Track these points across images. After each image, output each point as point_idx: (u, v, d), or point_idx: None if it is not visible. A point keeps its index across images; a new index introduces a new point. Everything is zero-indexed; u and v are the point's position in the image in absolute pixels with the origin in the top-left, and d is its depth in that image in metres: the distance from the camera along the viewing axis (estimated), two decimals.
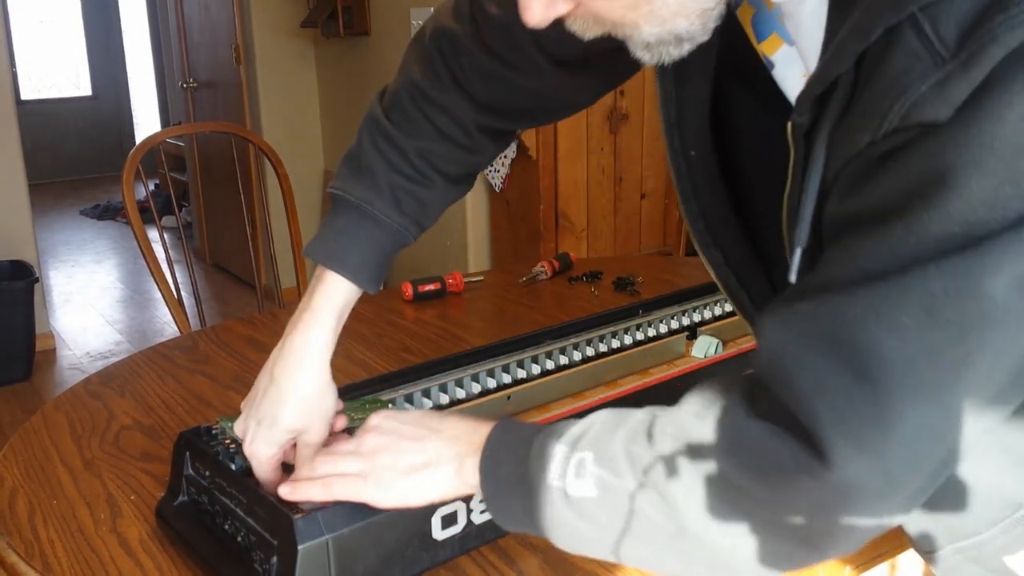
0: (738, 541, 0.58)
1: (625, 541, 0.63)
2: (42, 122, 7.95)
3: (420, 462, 0.75)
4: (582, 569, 0.84)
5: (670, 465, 0.60)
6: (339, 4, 3.75)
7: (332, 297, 0.86)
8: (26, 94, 7.89)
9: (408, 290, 1.67)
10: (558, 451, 0.66)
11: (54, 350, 3.96)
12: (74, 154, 8.25)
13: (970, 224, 0.48)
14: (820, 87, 0.56)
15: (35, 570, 0.86)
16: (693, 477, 0.59)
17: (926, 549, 0.73)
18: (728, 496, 0.58)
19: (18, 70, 7.45)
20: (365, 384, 1.06)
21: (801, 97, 0.58)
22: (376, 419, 0.80)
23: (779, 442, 0.55)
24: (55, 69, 8.27)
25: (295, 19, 4.11)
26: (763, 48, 0.67)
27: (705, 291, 1.38)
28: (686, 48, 0.63)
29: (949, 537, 0.70)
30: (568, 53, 0.83)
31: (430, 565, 0.83)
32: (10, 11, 7.02)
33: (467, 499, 0.84)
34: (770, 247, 0.74)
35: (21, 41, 7.72)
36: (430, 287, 1.68)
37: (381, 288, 0.91)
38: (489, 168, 3.30)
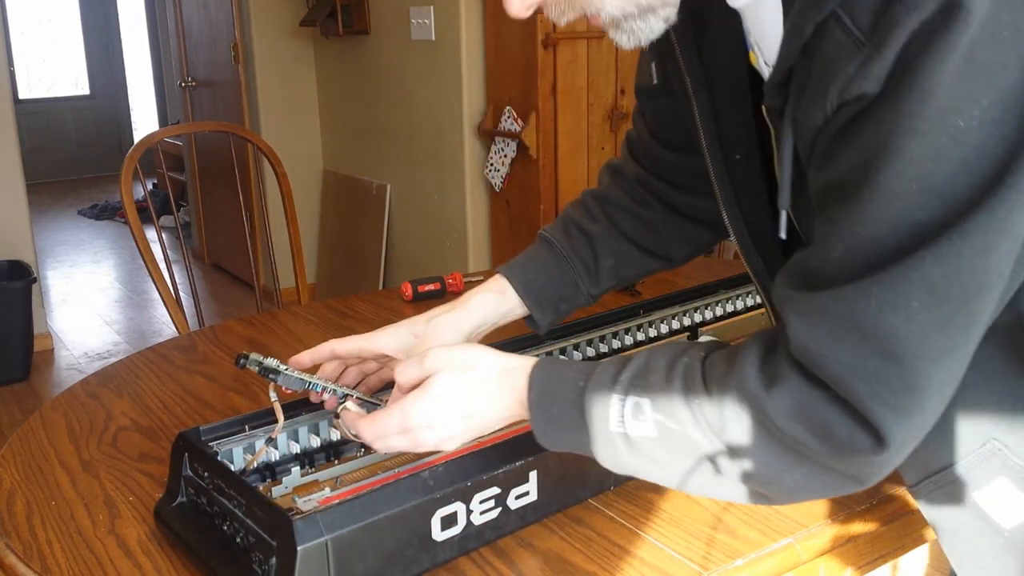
0: (797, 479, 0.68)
1: (688, 479, 0.73)
2: (40, 121, 7.95)
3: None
4: (582, 569, 0.84)
5: (733, 418, 0.68)
6: (338, 3, 3.75)
7: (487, 286, 1.02)
8: (24, 93, 7.88)
9: (408, 290, 1.66)
10: (614, 398, 0.73)
11: (52, 350, 3.96)
12: (72, 154, 8.25)
13: (921, 177, 0.57)
14: (779, 76, 0.66)
15: (33, 571, 0.85)
16: (757, 434, 0.67)
17: (908, 483, 0.79)
18: (789, 450, 0.66)
19: (16, 69, 7.44)
20: None
21: (767, 85, 0.69)
22: (415, 407, 0.79)
23: (837, 413, 0.63)
24: (53, 68, 8.26)
25: (294, 18, 4.10)
26: (752, 61, 0.78)
27: (706, 291, 1.37)
28: (654, 23, 0.71)
29: (924, 469, 0.76)
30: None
31: (430, 566, 0.83)
32: (9, 10, 7.02)
33: (467, 500, 0.84)
34: (797, 244, 0.82)
35: (19, 40, 7.71)
36: (430, 287, 1.67)
37: (546, 323, 1.04)
38: (489, 167, 3.30)
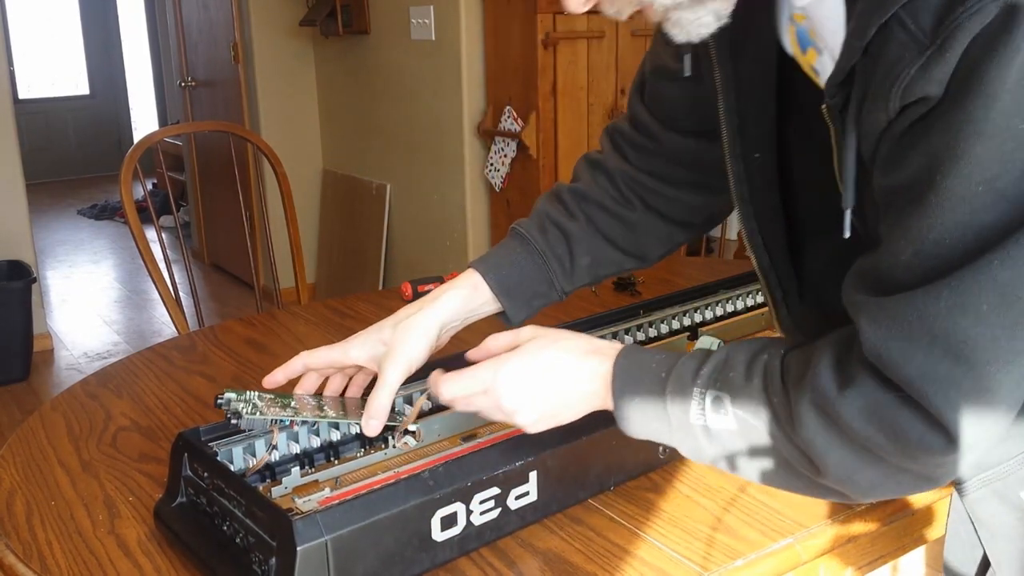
0: (871, 479, 0.69)
1: (767, 474, 0.75)
2: (40, 121, 7.95)
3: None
4: (582, 569, 0.84)
5: (808, 418, 0.69)
6: (338, 3, 3.75)
7: (458, 281, 1.02)
8: (24, 93, 7.88)
9: (408, 290, 1.66)
10: (695, 392, 0.76)
11: (51, 350, 3.95)
12: (72, 153, 8.24)
13: (987, 180, 0.58)
14: (840, 76, 0.67)
15: (33, 571, 0.85)
16: (830, 433, 0.68)
17: (957, 481, 0.79)
18: (862, 450, 0.68)
19: (16, 69, 7.44)
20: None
21: (828, 83, 0.69)
22: (506, 388, 0.83)
23: (909, 415, 0.64)
24: (53, 68, 8.26)
25: (294, 18, 4.10)
26: (808, 59, 0.79)
27: (706, 291, 1.37)
28: (703, 15, 0.71)
29: (976, 468, 0.76)
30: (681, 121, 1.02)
31: (430, 566, 0.83)
32: (8, 10, 7.02)
33: (467, 500, 0.84)
34: (803, 242, 0.90)
35: (19, 40, 7.71)
36: (430, 287, 1.67)
37: (519, 319, 1.03)
38: (489, 167, 3.30)
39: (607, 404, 0.82)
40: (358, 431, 0.94)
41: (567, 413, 0.84)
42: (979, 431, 0.63)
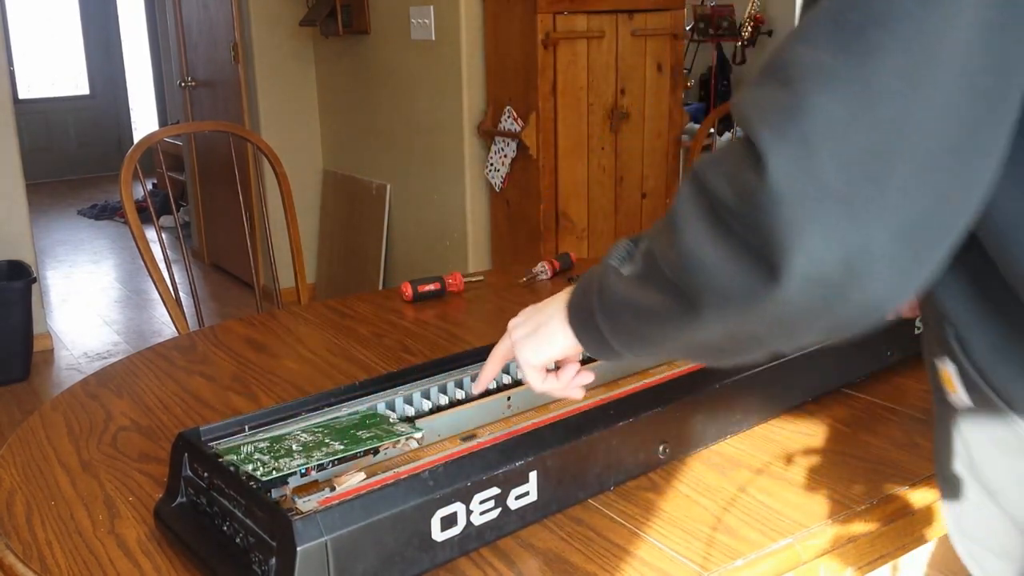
0: (713, 261, 0.62)
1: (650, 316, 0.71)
2: (40, 121, 7.95)
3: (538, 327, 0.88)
4: (582, 569, 0.84)
5: (680, 193, 0.65)
6: (338, 2, 3.75)
7: None
8: (24, 93, 7.88)
9: (408, 290, 1.66)
10: (621, 244, 0.77)
11: (52, 350, 3.95)
12: (72, 153, 8.24)
13: None
14: None
15: (33, 571, 0.85)
16: (691, 199, 0.64)
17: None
18: (711, 215, 0.62)
19: (16, 69, 7.44)
20: (365, 384, 1.06)
21: None
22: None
23: (742, 154, 0.59)
24: (53, 68, 8.26)
25: (294, 18, 4.10)
26: None
27: None
28: None
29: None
30: None
31: (430, 566, 0.83)
32: (8, 9, 7.02)
33: (467, 500, 0.84)
34: None
35: (19, 40, 7.71)
36: (430, 287, 1.67)
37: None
38: (489, 167, 3.29)
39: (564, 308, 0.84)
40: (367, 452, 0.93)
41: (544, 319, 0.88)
42: (788, 155, 0.56)
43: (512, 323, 0.92)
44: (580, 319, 0.81)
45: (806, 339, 0.64)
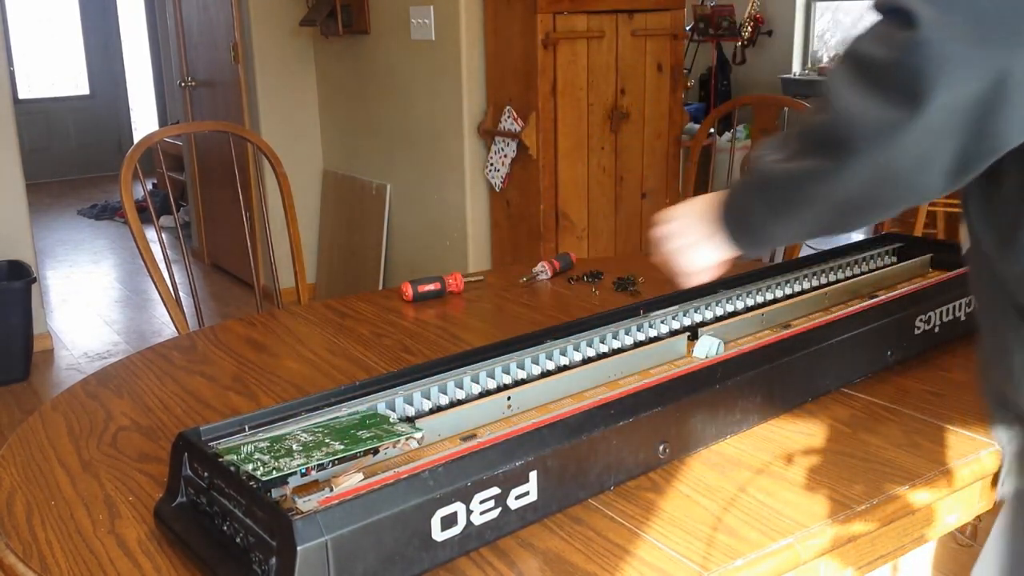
0: (862, 103, 0.71)
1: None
2: (40, 121, 7.95)
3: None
4: (582, 569, 0.84)
5: (833, 70, 0.76)
6: (338, 3, 3.75)
7: None
8: (24, 93, 7.88)
9: (408, 290, 1.66)
10: (765, 143, 0.85)
11: (52, 350, 3.95)
12: (72, 153, 8.24)
13: None
14: None
15: (33, 571, 0.85)
16: (841, 67, 0.74)
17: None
18: (859, 69, 0.72)
19: (16, 69, 7.44)
20: (365, 384, 1.06)
21: None
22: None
23: (882, 21, 0.70)
24: (53, 68, 8.26)
25: (294, 18, 4.10)
26: None
27: (706, 291, 1.37)
28: None
29: None
30: None
31: (430, 566, 0.83)
32: (8, 9, 7.02)
33: (467, 500, 0.84)
34: None
35: (19, 40, 7.71)
36: (430, 287, 1.67)
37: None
38: (489, 167, 3.29)
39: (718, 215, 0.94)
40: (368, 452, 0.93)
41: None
42: (942, 8, 0.64)
43: (657, 235, 1.02)
44: (733, 213, 0.92)
45: (937, 179, 0.71)
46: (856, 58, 0.72)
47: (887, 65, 0.68)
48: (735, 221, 0.92)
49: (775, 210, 0.85)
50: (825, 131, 0.76)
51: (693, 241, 0.98)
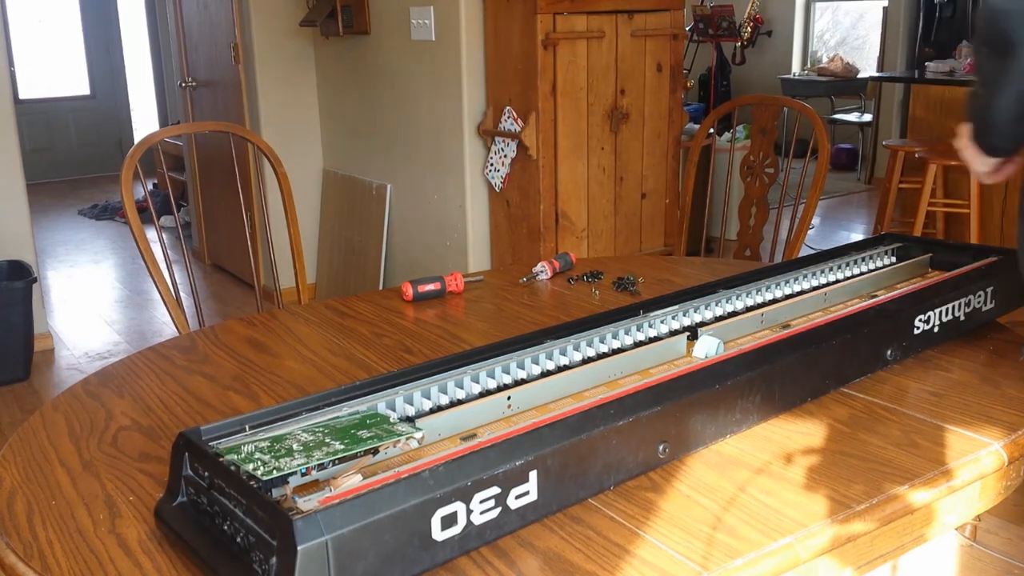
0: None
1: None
2: (40, 121, 7.95)
3: None
4: (582, 569, 0.84)
5: None
6: (338, 3, 3.75)
7: None
8: (24, 93, 7.88)
9: (408, 290, 1.66)
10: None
11: (52, 350, 3.96)
12: (72, 154, 8.25)
13: None
14: None
15: (34, 571, 0.85)
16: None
17: None
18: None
19: (16, 69, 7.44)
20: (365, 384, 1.06)
21: None
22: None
23: None
24: (53, 68, 8.26)
25: (294, 18, 4.10)
26: None
27: (706, 291, 1.37)
28: None
29: None
30: None
31: (430, 565, 0.83)
32: (8, 10, 7.02)
33: (467, 499, 0.84)
34: None
35: (19, 40, 7.71)
36: (430, 287, 1.68)
37: None
38: (489, 167, 3.30)
39: None
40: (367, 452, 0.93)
41: None
42: None
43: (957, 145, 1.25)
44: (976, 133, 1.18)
45: None
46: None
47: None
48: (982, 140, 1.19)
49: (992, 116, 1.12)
50: (989, 59, 1.07)
51: (974, 154, 1.23)
